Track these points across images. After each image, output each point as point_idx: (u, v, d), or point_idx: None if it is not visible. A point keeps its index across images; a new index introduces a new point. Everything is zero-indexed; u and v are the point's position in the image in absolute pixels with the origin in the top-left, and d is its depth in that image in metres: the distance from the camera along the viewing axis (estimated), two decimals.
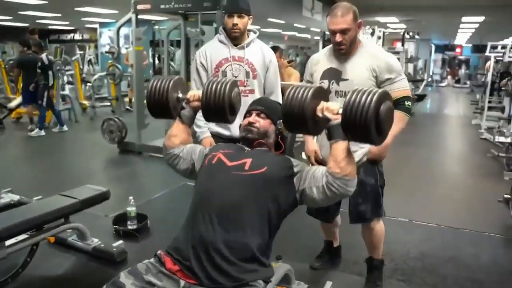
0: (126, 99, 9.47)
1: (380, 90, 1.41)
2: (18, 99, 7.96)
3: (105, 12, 12.07)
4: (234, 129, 2.36)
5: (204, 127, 2.47)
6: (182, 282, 1.41)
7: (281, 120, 1.69)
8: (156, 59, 11.75)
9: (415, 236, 3.24)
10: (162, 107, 1.72)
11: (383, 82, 2.06)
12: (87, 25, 17.55)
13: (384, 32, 10.22)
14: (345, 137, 1.45)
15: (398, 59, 7.64)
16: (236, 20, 2.35)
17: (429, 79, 21.62)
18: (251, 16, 2.42)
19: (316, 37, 11.89)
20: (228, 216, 1.46)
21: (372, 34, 5.38)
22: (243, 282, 1.39)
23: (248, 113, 1.75)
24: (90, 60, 14.69)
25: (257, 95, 2.47)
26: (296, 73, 4.31)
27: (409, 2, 9.29)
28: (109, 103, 9.36)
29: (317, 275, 2.49)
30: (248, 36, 2.47)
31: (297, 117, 1.47)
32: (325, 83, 2.15)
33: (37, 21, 14.84)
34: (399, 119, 1.99)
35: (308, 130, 1.54)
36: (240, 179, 1.53)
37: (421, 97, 10.16)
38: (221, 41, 2.46)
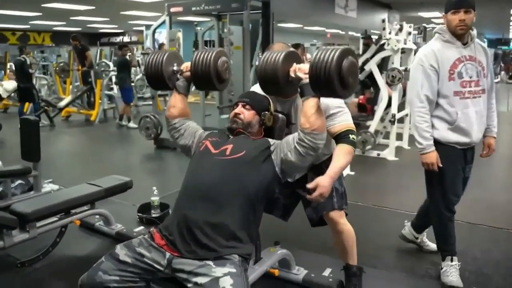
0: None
1: (342, 47, 1.56)
2: (67, 99, 8.58)
3: (149, 15, 12.62)
4: (474, 134, 2.33)
5: (430, 139, 2.31)
6: (167, 254, 1.60)
7: (266, 112, 1.86)
8: None
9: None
10: (158, 78, 1.94)
11: (326, 119, 1.89)
12: (134, 28, 18.34)
13: (426, 28, 10.00)
14: (314, 94, 1.61)
15: None
16: (463, 15, 2.21)
17: None
18: (475, 12, 2.25)
19: (351, 33, 11.72)
20: (209, 196, 1.64)
21: (401, 30, 5.32)
22: (220, 255, 1.56)
23: (235, 105, 1.92)
24: (138, 61, 15.42)
25: (486, 95, 2.38)
26: None
27: None
28: (151, 102, 9.85)
29: (317, 261, 2.60)
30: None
31: (271, 78, 1.65)
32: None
33: (88, 25, 15.76)
34: (346, 152, 1.88)
35: (282, 90, 1.72)
36: (221, 163, 1.71)
37: None
38: (447, 41, 2.31)
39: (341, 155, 1.88)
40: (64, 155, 6.11)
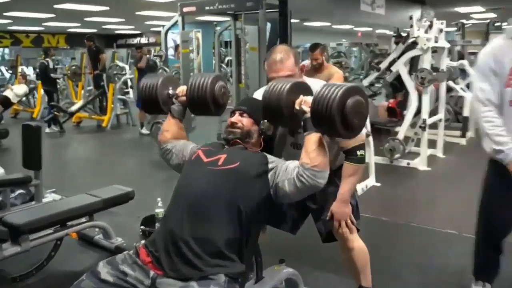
0: None
1: (349, 84, 1.54)
2: (78, 104, 8.76)
3: (166, 15, 12.80)
4: None
5: (509, 143, 2.04)
6: (152, 273, 1.57)
7: (265, 121, 1.84)
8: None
9: (460, 249, 3.12)
10: (152, 102, 1.96)
11: None
12: (151, 29, 18.63)
13: (464, 24, 9.75)
14: (317, 130, 1.58)
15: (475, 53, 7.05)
16: None
17: None
18: None
19: (382, 31, 11.55)
20: (196, 209, 1.62)
21: (431, 26, 5.20)
22: (204, 275, 1.52)
23: (232, 113, 1.89)
24: (155, 62, 15.69)
25: None
26: (338, 72, 4.30)
27: None
28: None
29: (327, 282, 2.54)
30: None
31: (275, 109, 1.64)
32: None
33: (104, 26, 16.10)
34: (352, 172, 1.98)
35: (286, 122, 1.72)
36: (212, 174, 1.68)
37: None
38: None
39: (348, 177, 1.99)
40: (71, 163, 6.24)
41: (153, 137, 6.33)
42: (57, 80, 10.66)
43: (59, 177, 4.99)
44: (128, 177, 5.19)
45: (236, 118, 1.85)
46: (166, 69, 6.66)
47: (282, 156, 2.03)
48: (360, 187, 4.23)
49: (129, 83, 10.89)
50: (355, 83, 1.64)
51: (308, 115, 1.59)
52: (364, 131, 2.00)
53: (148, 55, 8.50)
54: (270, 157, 1.75)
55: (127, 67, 9.45)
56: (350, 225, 2.05)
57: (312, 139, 1.61)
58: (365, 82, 5.67)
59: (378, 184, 4.57)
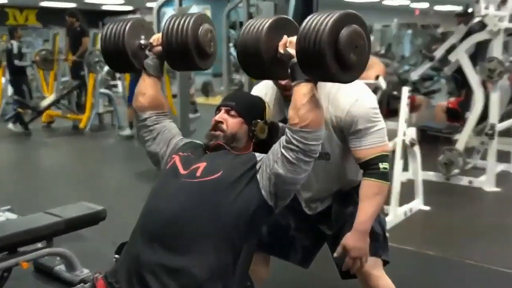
0: None
1: (343, 11, 1.55)
2: (49, 98, 8.90)
3: None
4: None
5: None
6: None
7: (257, 120, 1.86)
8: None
9: None
10: (119, 55, 1.93)
11: (350, 135, 1.99)
12: (147, 4, 18.85)
13: None
14: (308, 78, 1.61)
15: None
16: None
17: None
18: None
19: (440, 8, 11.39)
20: (169, 233, 1.64)
21: (504, 2, 5.15)
22: None
23: (217, 110, 1.91)
24: None
25: None
26: (378, 64, 4.27)
27: None
28: None
29: None
30: None
31: (252, 54, 1.67)
32: None
33: (86, 0, 16.36)
34: (375, 191, 1.96)
35: (268, 71, 1.75)
36: (189, 188, 1.71)
37: None
38: None
39: (369, 198, 1.97)
40: (36, 174, 6.34)
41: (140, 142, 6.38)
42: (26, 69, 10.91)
43: (18, 191, 5.10)
44: (105, 192, 5.29)
45: (220, 116, 1.87)
46: None
47: None
48: (402, 211, 4.22)
49: (117, 74, 11.00)
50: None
51: (295, 59, 1.60)
52: (386, 139, 2.01)
53: None
54: (259, 155, 1.77)
55: None
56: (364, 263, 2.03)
57: (301, 91, 1.62)
58: (414, 75, 5.64)
59: (427, 208, 4.55)
